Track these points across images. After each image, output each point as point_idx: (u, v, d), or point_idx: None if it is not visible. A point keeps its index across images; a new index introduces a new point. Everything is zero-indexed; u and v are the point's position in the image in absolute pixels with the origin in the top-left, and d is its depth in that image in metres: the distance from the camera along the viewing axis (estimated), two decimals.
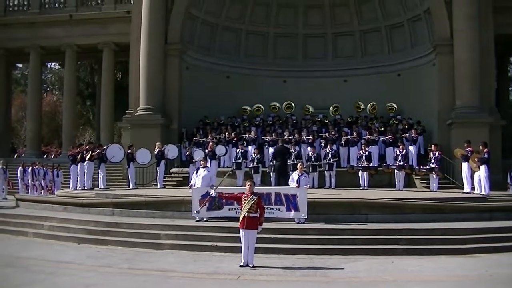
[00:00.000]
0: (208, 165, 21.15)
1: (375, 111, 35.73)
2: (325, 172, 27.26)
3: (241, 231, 14.28)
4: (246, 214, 14.12)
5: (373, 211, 19.05)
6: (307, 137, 30.65)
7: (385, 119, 34.97)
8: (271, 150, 29.01)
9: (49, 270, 13.81)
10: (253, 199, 14.18)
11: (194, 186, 19.41)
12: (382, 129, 32.17)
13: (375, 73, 38.25)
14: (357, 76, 38.73)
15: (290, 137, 30.28)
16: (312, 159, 27.12)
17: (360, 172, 27.11)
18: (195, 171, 20.27)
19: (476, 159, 23.54)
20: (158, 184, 28.02)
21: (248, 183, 14.65)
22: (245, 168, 27.39)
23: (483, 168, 23.35)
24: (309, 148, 28.85)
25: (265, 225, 15.88)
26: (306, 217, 18.21)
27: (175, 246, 17.05)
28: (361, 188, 26.67)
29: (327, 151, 28.12)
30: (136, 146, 28.47)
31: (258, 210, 14.26)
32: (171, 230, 18.00)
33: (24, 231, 19.92)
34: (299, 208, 18.31)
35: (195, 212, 18.84)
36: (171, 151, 29.26)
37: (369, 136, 30.27)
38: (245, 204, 14.16)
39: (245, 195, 14.36)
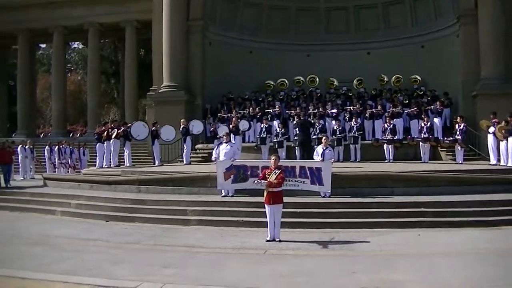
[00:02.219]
0: (233, 140, 21.07)
1: (399, 83, 35.46)
2: (350, 145, 27.25)
3: (266, 206, 14.27)
4: (270, 189, 14.08)
5: (398, 184, 18.92)
6: (331, 111, 30.57)
7: (409, 91, 34.66)
8: (295, 124, 28.72)
9: (77, 247, 13.93)
10: (276, 173, 14.21)
11: (218, 159, 19.29)
12: (407, 101, 31.88)
13: (399, 45, 37.85)
14: (381, 49, 38.44)
15: (315, 111, 30.17)
16: (337, 133, 27.09)
17: (385, 145, 27.01)
18: (217, 146, 20.11)
19: (503, 131, 23.17)
20: (185, 160, 28.01)
21: (273, 157, 14.68)
22: (270, 143, 27.28)
23: (511, 139, 22.98)
24: (333, 122, 28.73)
25: (291, 199, 16.37)
26: (330, 191, 18.21)
27: (201, 222, 17.07)
28: (386, 161, 26.54)
29: (352, 124, 27.92)
30: (160, 123, 28.50)
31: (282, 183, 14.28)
32: (198, 206, 18.02)
33: (52, 209, 20.12)
34: (323, 182, 18.21)
35: (220, 185, 18.92)
36: (196, 126, 29.18)
37: (393, 109, 30.10)
38: (269, 177, 14.13)
39: (269, 170, 14.35)
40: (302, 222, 16.27)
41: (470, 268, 11.27)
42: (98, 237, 15.43)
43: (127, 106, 46.96)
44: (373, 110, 30.54)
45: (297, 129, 25.85)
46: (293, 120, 30.07)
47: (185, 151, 28.26)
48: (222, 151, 19.32)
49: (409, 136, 28.17)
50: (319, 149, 19.25)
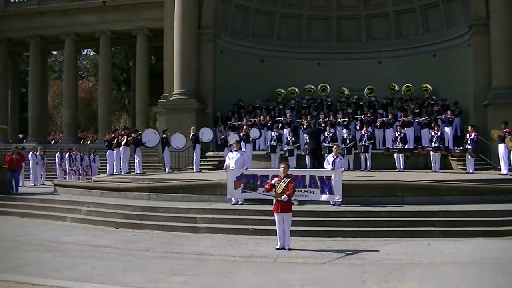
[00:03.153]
0: (243, 148, 21.18)
1: (409, 92, 35.38)
2: (361, 154, 27.13)
3: (275, 215, 14.16)
4: (279, 198, 14.01)
5: (409, 193, 18.82)
6: (342, 119, 30.34)
7: (420, 100, 34.49)
8: (305, 133, 27.90)
9: (87, 254, 13.92)
10: (285, 182, 14.12)
11: (229, 167, 19.27)
12: (417, 110, 31.67)
13: (410, 54, 37.79)
14: (391, 58, 38.41)
15: (325, 120, 29.96)
16: (348, 142, 26.95)
17: (395, 154, 26.82)
18: (229, 154, 20.14)
19: None
20: (194, 168, 27.60)
21: (282, 166, 14.52)
22: (280, 151, 27.21)
23: None
24: (344, 130, 28.44)
25: (301, 207, 16.32)
26: (341, 200, 18.06)
27: (211, 229, 17.04)
28: (396, 170, 26.35)
29: (363, 133, 27.78)
30: (171, 131, 28.65)
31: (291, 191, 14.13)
32: (207, 214, 18.01)
33: (63, 216, 20.15)
34: (333, 190, 18.12)
35: (229, 194, 18.92)
36: (206, 134, 28.89)
37: (404, 118, 29.80)
38: (277, 187, 14.04)
39: (279, 178, 14.27)
40: (312, 230, 16.19)
41: (481, 278, 11.20)
42: (108, 244, 15.41)
43: (138, 114, 46.89)
44: (384, 119, 30.32)
45: (307, 137, 25.58)
46: (304, 128, 29.72)
47: (194, 158, 27.94)
48: (232, 159, 19.27)
49: (420, 145, 28.02)
50: (329, 157, 19.26)
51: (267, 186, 14.40)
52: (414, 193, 18.88)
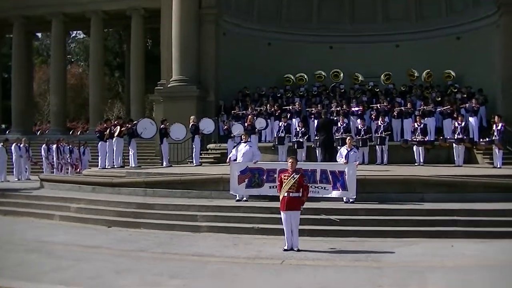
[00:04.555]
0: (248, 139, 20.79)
1: (430, 79, 35.09)
2: (376, 146, 27.16)
3: (282, 213, 14.19)
4: (286, 194, 13.97)
5: (429, 190, 18.68)
6: (356, 109, 30.35)
7: (442, 88, 34.25)
8: (315, 123, 28.22)
9: (76, 255, 13.86)
10: (294, 178, 14.02)
11: (234, 160, 19.30)
12: (439, 99, 31.32)
13: (431, 37, 37.56)
14: (411, 41, 38.14)
15: (338, 109, 29.87)
16: (362, 133, 26.98)
17: (415, 147, 26.58)
18: (236, 146, 20.16)
19: None
20: (194, 162, 27.48)
21: (290, 160, 14.46)
22: (288, 143, 27.39)
23: None
24: (358, 121, 28.33)
25: (311, 204, 16.16)
26: (355, 197, 18.06)
27: (213, 228, 17.03)
28: (416, 164, 26.16)
29: (379, 123, 27.40)
30: (169, 121, 28.53)
31: (301, 189, 14.08)
32: (209, 211, 18.02)
33: (50, 213, 20.02)
34: (347, 186, 18.13)
35: (233, 189, 18.95)
36: (207, 125, 28.62)
37: (424, 107, 29.64)
38: (285, 183, 14.01)
39: (286, 174, 14.23)
40: (323, 229, 16.18)
41: (507, 283, 11.20)
42: (100, 244, 15.39)
43: (133, 102, 46.86)
44: (402, 108, 30.13)
45: (318, 128, 25.39)
46: (314, 118, 29.87)
47: (194, 151, 27.83)
48: (240, 151, 19.35)
49: (442, 137, 27.75)
50: (342, 150, 19.22)
51: (278, 182, 14.54)
52: (435, 189, 18.70)
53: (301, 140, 26.97)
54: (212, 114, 33.13)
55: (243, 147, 19.43)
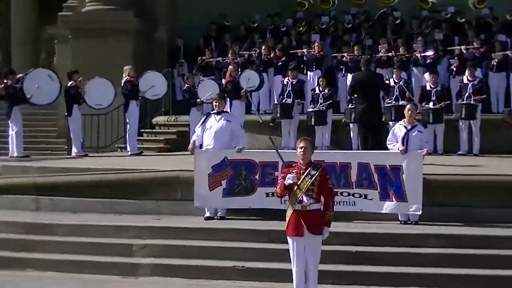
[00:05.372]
0: (228, 109, 17.94)
1: None
2: (460, 122, 20.38)
3: (290, 241, 10.62)
4: (298, 207, 10.37)
5: None
6: (423, 53, 23.04)
7: None
8: (349, 78, 21.67)
9: None
10: (312, 176, 10.33)
11: (201, 147, 15.20)
12: None
13: None
14: None
15: (390, 54, 24.11)
16: (433, 98, 20.31)
17: None
18: (204, 121, 15.40)
19: None
20: (129, 148, 21.62)
21: (302, 145, 10.54)
22: (300, 115, 21.36)
23: None
24: (427, 76, 21.84)
25: (342, 225, 13.21)
26: (420, 212, 13.91)
27: (161, 269, 13.25)
28: None
29: (464, 80, 20.52)
30: (84, 74, 21.86)
31: (322, 196, 10.44)
32: (155, 238, 14.19)
33: None
34: (405, 194, 13.97)
35: (199, 199, 14.88)
36: (153, 82, 21.99)
37: None
38: (296, 188, 10.38)
39: (295, 170, 10.55)
40: (363, 272, 12.44)
41: None
42: None
43: (16, 42, 39.17)
44: (508, 53, 22.82)
45: (354, 89, 19.11)
46: (347, 71, 23.12)
47: (129, 128, 21.49)
48: (209, 130, 15.01)
49: None
50: (398, 128, 14.81)
51: (278, 189, 10.85)
52: None
53: (322, 109, 20.55)
54: (163, 62, 25.99)
55: (214, 122, 15.03)
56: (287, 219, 10.51)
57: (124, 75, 21.44)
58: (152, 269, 13.28)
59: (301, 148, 10.51)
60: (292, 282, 10.61)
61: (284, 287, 11.55)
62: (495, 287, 12.03)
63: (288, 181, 10.25)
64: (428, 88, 20.61)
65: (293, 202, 10.44)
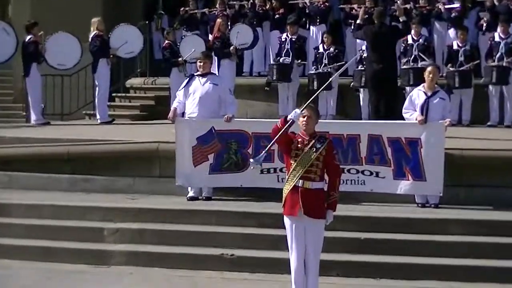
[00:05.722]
0: (215, 70, 16.48)
1: None
2: (489, 87, 18.79)
3: (287, 222, 9.60)
4: (300, 183, 9.45)
5: None
6: (447, 5, 21.20)
7: None
8: (361, 35, 18.65)
9: None
10: (317, 150, 9.48)
11: (183, 115, 13.98)
12: None
13: None
14: None
15: (407, 6, 20.98)
16: (461, 58, 18.55)
17: None
18: (187, 84, 14.02)
19: None
20: (99, 116, 20.20)
21: (305, 113, 9.53)
22: (301, 79, 19.89)
23: None
24: (451, 32, 20.36)
25: (349, 208, 12.42)
26: (441, 194, 12.85)
27: (136, 257, 12.27)
28: None
29: (496, 38, 18.78)
30: (45, 28, 20.32)
31: (327, 174, 9.61)
32: (129, 222, 13.08)
33: None
34: (424, 172, 12.89)
35: (181, 176, 13.79)
36: (127, 37, 20.25)
37: None
38: (296, 160, 9.47)
39: (297, 139, 9.64)
40: (372, 263, 11.62)
41: None
42: None
43: None
44: None
45: (364, 46, 18.01)
46: (357, 26, 21.03)
47: (97, 93, 19.86)
48: (193, 96, 13.74)
49: None
50: (416, 95, 13.52)
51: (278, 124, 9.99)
52: None
53: (327, 71, 18.87)
54: (138, 14, 24.62)
55: (199, 86, 13.64)
56: (284, 196, 9.62)
57: (92, 29, 19.89)
58: (126, 257, 12.34)
59: (304, 117, 9.54)
60: (289, 273, 9.82)
61: (280, 278, 10.86)
62: None
63: (292, 115, 9.30)
64: (455, 47, 18.89)
65: (291, 179, 9.59)
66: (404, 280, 11.14)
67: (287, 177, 9.74)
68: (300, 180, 9.50)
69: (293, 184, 9.55)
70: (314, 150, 9.43)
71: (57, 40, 19.43)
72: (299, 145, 9.57)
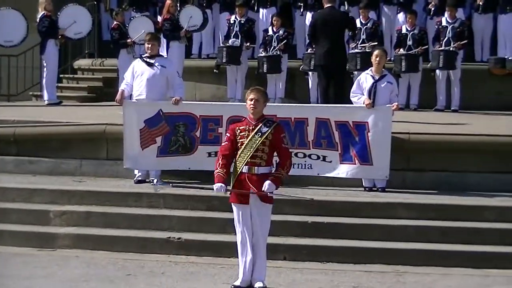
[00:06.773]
0: (164, 53, 16.63)
1: None
2: (437, 72, 18.99)
3: (234, 208, 9.89)
4: (245, 169, 9.76)
5: None
6: None
7: None
8: (309, 17, 19.81)
9: None
10: (262, 134, 9.75)
11: (131, 98, 14.07)
12: None
13: None
14: None
15: None
16: (409, 43, 18.94)
17: None
18: (133, 66, 14.18)
19: None
20: (46, 96, 19.80)
21: (252, 96, 9.88)
22: (249, 61, 20.10)
23: None
24: (400, 16, 20.50)
25: (296, 192, 12.27)
26: (387, 177, 13.13)
27: (82, 240, 12.32)
28: None
29: (443, 23, 18.93)
30: None
31: (274, 158, 10.04)
32: (75, 204, 13.08)
33: None
34: (371, 156, 13.14)
35: (129, 159, 13.93)
36: (75, 17, 19.86)
37: None
38: (243, 146, 9.78)
39: (243, 126, 9.99)
40: (319, 246, 11.81)
41: None
42: None
43: None
44: None
45: (315, 29, 17.22)
46: (307, 8, 21.04)
47: (45, 73, 19.52)
48: (140, 78, 13.75)
49: None
50: (364, 78, 13.67)
51: (225, 142, 10.19)
52: None
53: (276, 53, 19.07)
54: None
55: (149, 69, 13.66)
56: (231, 182, 9.86)
57: (40, 9, 19.62)
58: (72, 240, 12.30)
59: (251, 100, 9.78)
60: (236, 256, 10.01)
61: (227, 262, 10.98)
62: (475, 265, 11.21)
63: (216, 187, 9.57)
64: (404, 31, 19.16)
65: (239, 164, 9.80)
66: (351, 264, 11.25)
67: (234, 163, 9.92)
68: (245, 166, 9.71)
69: (239, 171, 9.75)
70: (259, 135, 9.59)
71: (2, 16, 19.30)
72: (243, 133, 9.79)
